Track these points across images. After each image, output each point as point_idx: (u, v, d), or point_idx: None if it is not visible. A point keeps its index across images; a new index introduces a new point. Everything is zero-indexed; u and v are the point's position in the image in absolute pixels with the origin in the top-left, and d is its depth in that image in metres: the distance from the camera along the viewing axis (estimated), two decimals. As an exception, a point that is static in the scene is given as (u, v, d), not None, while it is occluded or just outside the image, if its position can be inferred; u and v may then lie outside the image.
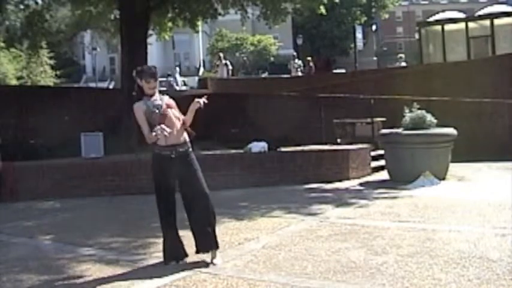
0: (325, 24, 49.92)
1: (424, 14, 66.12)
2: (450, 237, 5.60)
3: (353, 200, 8.23)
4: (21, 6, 17.06)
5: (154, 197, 5.04)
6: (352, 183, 10.10)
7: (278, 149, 10.88)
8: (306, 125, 13.39)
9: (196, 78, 35.42)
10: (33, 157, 10.63)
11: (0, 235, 6.78)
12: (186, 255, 5.09)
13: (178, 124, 4.98)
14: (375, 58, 60.30)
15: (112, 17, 16.85)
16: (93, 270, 4.96)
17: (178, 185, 5.07)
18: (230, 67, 26.97)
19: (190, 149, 5.06)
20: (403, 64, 24.25)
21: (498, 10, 25.16)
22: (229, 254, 5.28)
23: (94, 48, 40.70)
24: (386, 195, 8.63)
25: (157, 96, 5.03)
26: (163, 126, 4.78)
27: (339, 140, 12.71)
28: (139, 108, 4.95)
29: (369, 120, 12.86)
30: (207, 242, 4.98)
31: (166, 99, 5.07)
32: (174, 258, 5.03)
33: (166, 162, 4.95)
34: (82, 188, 9.66)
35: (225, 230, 6.21)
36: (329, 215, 7.17)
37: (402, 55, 26.23)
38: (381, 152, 11.29)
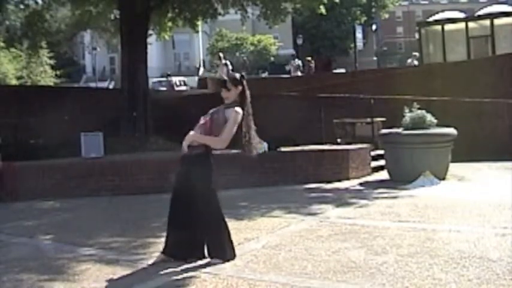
0: (325, 24, 49.94)
1: (424, 14, 66.19)
2: (450, 237, 5.60)
3: (353, 200, 8.23)
4: (21, 6, 17.12)
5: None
6: (352, 183, 10.10)
7: (278, 149, 10.88)
8: (306, 125, 13.37)
9: (196, 78, 35.42)
10: (33, 157, 10.60)
11: (0, 235, 6.77)
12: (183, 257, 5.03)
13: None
14: (375, 58, 60.39)
15: (112, 17, 16.85)
16: (93, 270, 4.96)
17: None
18: (230, 67, 26.95)
19: (197, 153, 5.07)
20: (416, 63, 23.78)
21: (498, 10, 25.18)
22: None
23: (94, 48, 40.78)
24: (386, 195, 8.63)
25: (222, 107, 5.17)
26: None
27: (339, 140, 12.71)
28: None
29: (368, 120, 12.87)
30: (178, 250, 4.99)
31: (216, 115, 5.12)
32: (171, 255, 5.02)
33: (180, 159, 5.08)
34: (82, 188, 9.65)
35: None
36: (329, 214, 7.17)
37: (416, 53, 25.34)
38: (381, 152, 11.30)
